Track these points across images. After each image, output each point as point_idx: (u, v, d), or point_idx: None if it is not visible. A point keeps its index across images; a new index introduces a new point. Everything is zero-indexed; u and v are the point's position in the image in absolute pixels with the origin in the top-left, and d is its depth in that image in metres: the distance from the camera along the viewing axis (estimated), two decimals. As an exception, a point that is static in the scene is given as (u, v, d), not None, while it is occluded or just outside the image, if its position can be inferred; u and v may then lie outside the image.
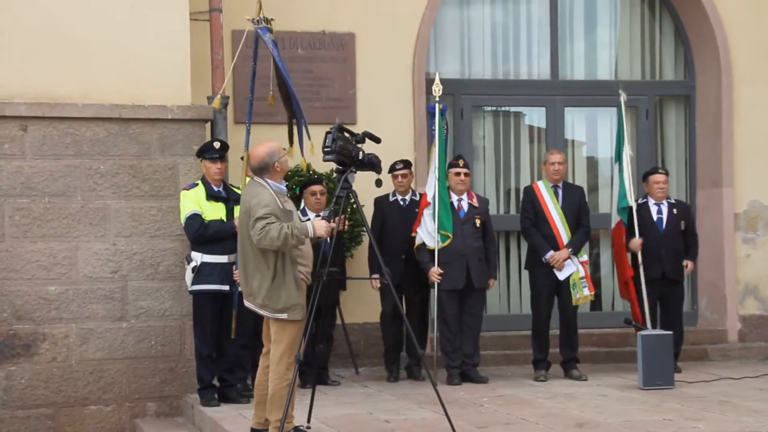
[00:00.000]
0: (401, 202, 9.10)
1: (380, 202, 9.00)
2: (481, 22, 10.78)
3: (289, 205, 6.64)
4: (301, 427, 6.49)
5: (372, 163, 6.76)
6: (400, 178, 9.03)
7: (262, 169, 6.53)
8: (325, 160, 6.71)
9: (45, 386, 8.31)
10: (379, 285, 8.86)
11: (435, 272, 8.73)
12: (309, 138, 7.77)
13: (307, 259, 6.58)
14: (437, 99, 8.99)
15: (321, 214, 6.68)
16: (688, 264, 9.38)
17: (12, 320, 8.28)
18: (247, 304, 6.59)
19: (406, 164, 9.11)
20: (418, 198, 9.13)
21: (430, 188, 8.82)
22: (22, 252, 8.31)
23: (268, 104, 8.20)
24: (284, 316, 6.38)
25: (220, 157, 8.14)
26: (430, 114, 9.10)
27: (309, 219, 8.30)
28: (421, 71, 10.18)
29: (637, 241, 9.07)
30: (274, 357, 6.47)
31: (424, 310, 9.19)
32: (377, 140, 6.89)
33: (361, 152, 6.68)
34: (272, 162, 6.51)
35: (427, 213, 8.78)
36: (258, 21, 8.14)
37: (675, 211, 9.42)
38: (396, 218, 8.99)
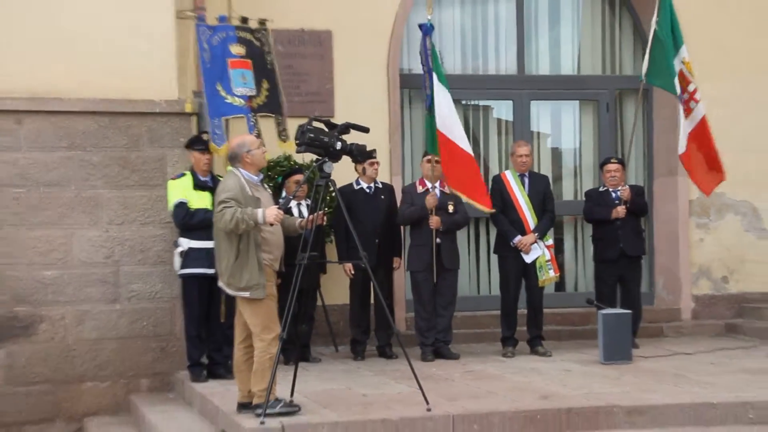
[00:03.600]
0: (367, 190, 9.07)
1: (344, 192, 8.64)
2: (451, 22, 10.82)
3: (261, 193, 6.70)
4: (285, 400, 6.58)
5: (352, 152, 6.81)
6: (375, 166, 9.03)
7: (232, 159, 6.72)
8: (297, 152, 6.88)
9: (44, 364, 8.35)
10: (352, 272, 8.92)
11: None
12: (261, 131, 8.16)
13: (271, 247, 6.61)
14: (429, 17, 9.04)
15: (281, 201, 6.70)
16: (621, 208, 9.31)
17: (12, 303, 8.30)
18: (219, 283, 6.74)
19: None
20: (381, 186, 9.16)
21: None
22: (20, 239, 8.32)
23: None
24: (246, 294, 6.51)
25: (207, 148, 8.20)
26: (423, 33, 9.02)
27: (290, 206, 8.41)
28: (395, 67, 10.21)
29: (621, 209, 9.18)
30: (255, 335, 6.57)
31: (392, 292, 9.24)
32: (364, 129, 6.91)
33: (339, 143, 6.70)
34: (241, 153, 6.65)
35: None
36: (201, 17, 8.32)
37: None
38: (363, 205, 8.96)
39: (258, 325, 6.56)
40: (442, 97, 8.83)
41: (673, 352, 9.16)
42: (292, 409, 6.52)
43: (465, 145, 8.87)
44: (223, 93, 8.52)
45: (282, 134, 8.82)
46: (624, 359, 8.54)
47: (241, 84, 8.59)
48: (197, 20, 8.59)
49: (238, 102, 8.58)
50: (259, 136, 8.44)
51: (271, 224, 6.48)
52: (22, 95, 8.32)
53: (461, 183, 8.78)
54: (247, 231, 6.46)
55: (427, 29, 9.02)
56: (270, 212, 6.43)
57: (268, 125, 8.80)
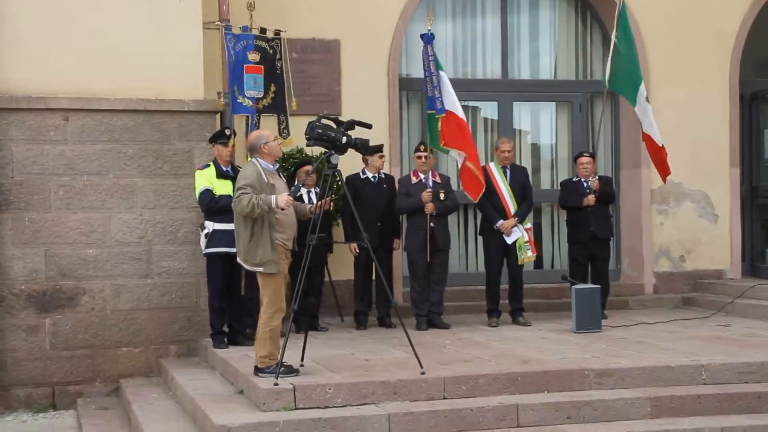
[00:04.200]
0: (372, 179, 8.96)
1: (352, 180, 8.75)
2: (444, 32, 10.71)
3: (276, 180, 6.64)
4: (286, 363, 6.46)
5: (356, 146, 6.72)
6: (383, 159, 8.98)
7: (251, 150, 6.70)
8: (306, 146, 6.83)
9: (85, 332, 8.26)
10: (357, 251, 8.80)
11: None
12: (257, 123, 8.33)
13: (284, 227, 6.55)
14: (429, 28, 8.94)
15: (292, 188, 6.69)
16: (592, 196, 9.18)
17: (58, 277, 8.21)
18: (238, 259, 6.67)
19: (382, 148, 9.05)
20: (384, 177, 9.06)
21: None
22: (66, 221, 8.23)
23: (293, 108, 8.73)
24: (261, 269, 6.47)
25: (229, 142, 8.09)
26: (425, 42, 8.89)
27: (301, 194, 8.33)
28: (395, 71, 10.11)
29: (591, 197, 9.09)
30: (262, 306, 6.53)
31: (391, 269, 9.13)
32: (368, 126, 6.84)
33: (345, 137, 6.62)
34: (259, 144, 6.63)
35: None
36: (228, 27, 8.31)
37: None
38: (369, 192, 8.86)
39: (265, 296, 6.50)
40: (446, 82, 8.82)
41: (636, 322, 9.07)
42: (291, 372, 6.44)
43: (462, 114, 8.87)
44: (236, 94, 8.51)
45: (283, 132, 8.79)
46: (594, 328, 8.45)
47: (252, 87, 8.61)
48: (225, 29, 8.49)
49: (247, 102, 8.58)
50: (284, 129, 8.64)
51: (282, 209, 6.39)
52: (69, 95, 8.23)
53: (463, 145, 8.77)
54: (261, 214, 6.35)
55: (428, 38, 8.89)
56: (281, 198, 6.37)
57: (271, 124, 8.69)
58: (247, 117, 8.66)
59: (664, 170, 9.46)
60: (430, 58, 8.85)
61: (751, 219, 11.28)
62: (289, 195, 6.43)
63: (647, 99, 9.26)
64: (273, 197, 6.38)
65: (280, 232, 6.52)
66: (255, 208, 6.34)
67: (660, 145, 9.28)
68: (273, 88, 8.76)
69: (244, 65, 8.54)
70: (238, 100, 8.53)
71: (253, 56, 8.62)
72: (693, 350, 7.38)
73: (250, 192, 6.39)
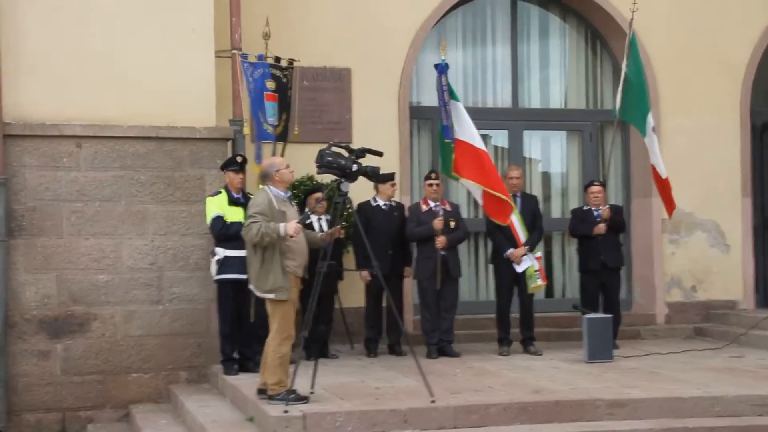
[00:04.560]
0: (383, 207, 8.97)
1: (363, 207, 8.79)
2: (454, 61, 10.75)
3: (288, 208, 6.67)
4: (297, 391, 6.45)
5: (367, 173, 6.74)
6: (394, 187, 8.99)
7: (264, 177, 6.75)
8: (317, 174, 6.89)
9: (96, 357, 8.27)
10: (368, 278, 8.80)
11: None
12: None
13: (295, 254, 6.56)
14: (443, 58, 8.98)
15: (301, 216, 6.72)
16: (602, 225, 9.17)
17: (69, 303, 8.23)
18: (249, 286, 6.70)
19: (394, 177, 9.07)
20: (395, 204, 9.07)
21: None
22: (77, 247, 8.26)
23: (295, 135, 8.72)
24: (272, 296, 6.48)
25: (241, 169, 8.13)
26: (439, 72, 8.95)
27: (311, 221, 8.35)
28: (405, 100, 10.15)
29: (602, 226, 9.08)
30: (271, 333, 6.55)
31: (401, 297, 9.12)
32: (379, 153, 6.87)
33: (355, 165, 6.65)
34: (271, 172, 6.68)
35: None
36: (244, 55, 8.37)
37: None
38: (380, 219, 8.87)
39: (275, 323, 6.51)
40: (462, 111, 8.88)
41: (648, 353, 9.01)
42: (301, 400, 6.42)
43: (481, 145, 8.89)
44: (261, 119, 8.55)
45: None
46: (606, 358, 8.41)
47: (272, 115, 8.65)
48: (241, 57, 8.58)
49: (270, 129, 8.62)
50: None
51: (291, 236, 6.40)
52: (82, 122, 8.28)
53: (481, 176, 8.78)
54: (270, 243, 6.37)
55: (442, 68, 8.94)
56: (290, 226, 6.40)
57: (267, 152, 8.72)
58: (259, 144, 8.66)
59: (669, 204, 9.44)
60: (444, 88, 8.89)
61: (763, 249, 11.23)
62: (297, 223, 6.44)
63: (654, 129, 9.28)
64: (282, 225, 6.40)
65: (291, 259, 6.53)
66: (264, 237, 6.36)
67: (664, 177, 9.27)
68: (284, 117, 8.81)
69: (264, 93, 8.58)
70: (263, 127, 8.55)
71: (270, 84, 8.67)
72: (706, 381, 7.34)
73: (260, 220, 6.41)
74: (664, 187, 9.39)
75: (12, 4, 8.13)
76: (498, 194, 8.72)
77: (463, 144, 8.82)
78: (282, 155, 8.69)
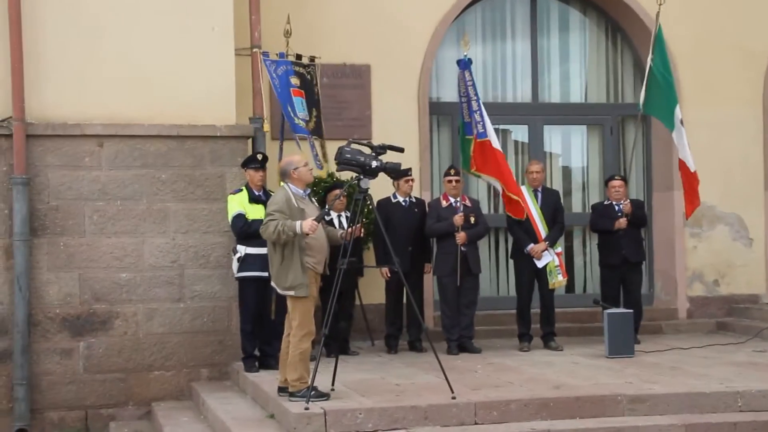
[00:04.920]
0: (403, 203, 8.96)
1: (383, 204, 8.77)
2: (474, 56, 10.69)
3: (307, 205, 6.70)
4: (318, 387, 6.48)
5: (386, 170, 6.74)
6: (411, 183, 8.96)
7: (282, 175, 6.82)
8: (336, 171, 6.97)
9: (118, 355, 8.33)
10: (389, 275, 8.80)
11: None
12: (319, 153, 8.48)
13: (314, 251, 6.58)
14: (466, 53, 8.97)
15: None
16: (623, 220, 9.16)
17: (91, 301, 8.30)
18: (271, 282, 6.74)
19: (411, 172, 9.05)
20: (415, 200, 9.07)
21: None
22: (100, 245, 8.32)
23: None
24: (291, 292, 6.53)
25: (261, 166, 8.16)
26: (461, 68, 8.93)
27: (331, 218, 8.38)
28: (425, 96, 10.14)
29: (623, 221, 9.05)
30: (292, 330, 6.58)
31: (422, 293, 9.12)
32: (400, 150, 6.87)
33: (375, 161, 6.65)
34: (289, 170, 6.74)
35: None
36: (265, 53, 8.39)
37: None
38: (400, 216, 8.85)
39: (295, 320, 6.56)
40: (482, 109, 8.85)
41: (670, 347, 8.96)
42: (322, 396, 6.46)
43: (497, 144, 8.90)
44: (292, 114, 8.56)
45: (317, 161, 8.72)
46: (627, 353, 8.37)
47: (301, 110, 8.68)
48: (262, 55, 8.61)
49: (302, 124, 8.63)
50: (324, 154, 8.70)
51: (307, 234, 6.43)
52: (103, 122, 8.34)
53: (499, 174, 8.79)
54: (288, 240, 6.41)
55: (465, 64, 8.93)
56: (306, 224, 6.44)
57: (307, 149, 8.75)
58: (282, 142, 8.70)
59: (691, 202, 9.36)
60: (468, 83, 8.86)
61: (786, 242, 11.14)
62: (313, 220, 6.47)
63: (681, 122, 9.21)
64: (298, 223, 6.44)
65: (311, 255, 6.57)
66: (281, 234, 6.42)
67: (692, 170, 9.22)
68: (314, 113, 8.85)
69: (290, 89, 8.60)
70: (296, 121, 8.56)
71: (295, 80, 8.69)
72: (728, 376, 7.30)
73: (278, 218, 6.46)
74: (691, 182, 9.30)
75: (33, 6, 8.19)
76: (511, 195, 8.70)
77: (484, 143, 8.78)
78: (323, 152, 8.74)
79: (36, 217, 8.21)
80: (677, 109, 9.18)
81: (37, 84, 8.19)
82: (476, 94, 8.86)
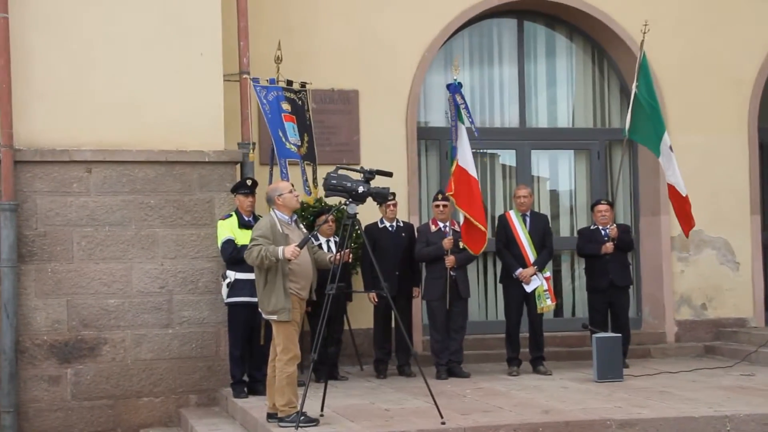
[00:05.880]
0: (389, 228, 9.01)
1: (370, 229, 8.85)
2: (462, 81, 10.73)
3: (293, 231, 6.75)
4: (307, 413, 6.49)
5: (372, 194, 6.79)
6: (392, 207, 8.97)
7: (268, 201, 6.88)
8: (324, 196, 7.05)
9: (106, 381, 8.31)
10: (376, 299, 8.82)
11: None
12: (309, 178, 8.55)
13: (298, 276, 6.63)
14: (456, 77, 9.04)
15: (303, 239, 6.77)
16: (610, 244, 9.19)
17: (79, 327, 8.29)
18: (259, 308, 6.76)
19: (394, 196, 9.07)
20: (402, 225, 9.11)
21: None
22: (87, 271, 8.32)
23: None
24: (274, 317, 6.58)
25: (251, 192, 8.19)
26: (452, 92, 8.97)
27: (320, 242, 8.41)
28: (413, 121, 10.20)
29: (609, 245, 9.09)
30: (278, 354, 6.61)
31: (410, 318, 9.14)
32: (389, 174, 6.95)
33: (362, 186, 6.71)
34: (273, 196, 6.82)
35: None
36: (255, 79, 8.45)
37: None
38: (387, 241, 8.90)
39: (279, 345, 6.59)
40: (464, 135, 8.83)
41: (659, 371, 9.01)
42: (311, 422, 6.46)
43: (473, 172, 8.86)
44: (283, 139, 8.61)
45: (306, 187, 8.80)
46: (616, 377, 8.41)
47: (293, 135, 8.74)
48: (252, 81, 8.66)
49: (293, 149, 8.68)
50: (314, 179, 8.79)
51: (289, 259, 6.48)
52: (92, 147, 8.36)
53: (469, 205, 8.72)
54: (271, 266, 6.46)
55: (454, 88, 8.99)
56: (288, 249, 6.49)
57: (297, 174, 8.79)
58: (284, 162, 8.66)
59: (687, 223, 9.45)
60: (462, 105, 8.91)
61: (773, 266, 11.23)
62: (296, 246, 6.51)
63: (671, 148, 9.29)
64: (280, 249, 6.50)
65: (294, 281, 6.61)
66: (264, 260, 6.48)
67: (684, 195, 9.30)
68: (306, 138, 8.92)
69: (281, 114, 8.67)
70: (286, 146, 8.61)
71: (286, 106, 8.77)
72: (717, 400, 7.34)
73: (262, 242, 6.53)
74: (683, 205, 9.38)
75: (21, 32, 8.23)
76: (477, 224, 8.71)
77: (462, 171, 8.79)
78: (315, 177, 8.81)
79: (24, 243, 8.21)
80: (666, 136, 9.27)
81: (25, 110, 8.22)
82: (470, 116, 8.90)
